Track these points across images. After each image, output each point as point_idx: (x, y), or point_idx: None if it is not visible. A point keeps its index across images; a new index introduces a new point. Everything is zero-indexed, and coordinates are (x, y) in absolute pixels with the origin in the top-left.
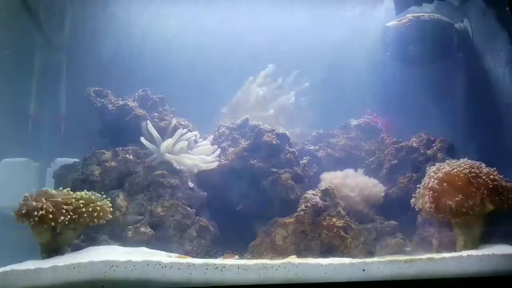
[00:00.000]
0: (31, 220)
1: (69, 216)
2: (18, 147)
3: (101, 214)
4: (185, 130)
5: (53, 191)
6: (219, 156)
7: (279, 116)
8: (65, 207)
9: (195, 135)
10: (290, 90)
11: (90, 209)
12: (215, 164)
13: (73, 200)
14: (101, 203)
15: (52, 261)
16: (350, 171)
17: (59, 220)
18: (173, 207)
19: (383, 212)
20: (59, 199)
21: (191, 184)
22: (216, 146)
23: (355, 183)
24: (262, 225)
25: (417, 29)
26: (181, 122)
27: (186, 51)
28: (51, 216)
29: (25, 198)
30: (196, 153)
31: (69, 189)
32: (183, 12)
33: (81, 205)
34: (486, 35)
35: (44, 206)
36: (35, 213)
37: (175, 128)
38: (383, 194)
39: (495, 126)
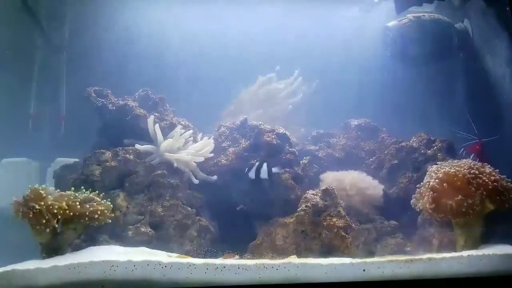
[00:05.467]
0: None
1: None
2: (18, 147)
3: (101, 216)
4: (184, 130)
5: (51, 190)
6: (219, 155)
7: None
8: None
9: (196, 135)
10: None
11: (88, 211)
12: (209, 145)
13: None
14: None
15: (52, 261)
16: (352, 173)
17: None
18: (173, 207)
19: (384, 212)
20: (56, 202)
21: (202, 175)
22: (211, 141)
23: (355, 183)
24: (263, 225)
25: (418, 29)
26: (181, 122)
27: (187, 51)
28: (48, 217)
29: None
30: (192, 149)
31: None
32: (184, 12)
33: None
34: (486, 35)
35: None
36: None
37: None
38: (381, 194)
39: (496, 126)
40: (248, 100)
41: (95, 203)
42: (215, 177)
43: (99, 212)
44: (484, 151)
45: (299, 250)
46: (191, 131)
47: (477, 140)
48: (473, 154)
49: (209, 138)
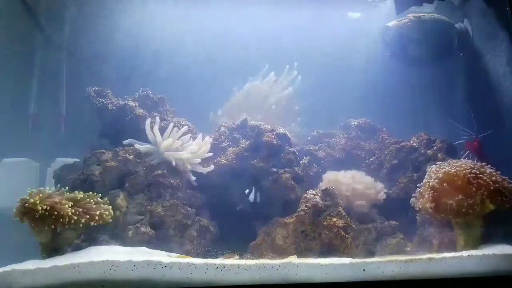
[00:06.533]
0: (32, 218)
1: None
2: (18, 147)
3: (102, 218)
4: (185, 127)
5: (51, 191)
6: (219, 155)
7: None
8: (64, 208)
9: (196, 135)
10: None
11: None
12: (206, 144)
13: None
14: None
15: (52, 261)
16: (352, 173)
17: (60, 220)
18: (173, 207)
19: (384, 212)
20: (57, 199)
21: (201, 168)
22: (208, 140)
23: (356, 183)
24: (263, 225)
25: (418, 29)
26: (181, 122)
27: (186, 51)
28: (52, 215)
29: (26, 197)
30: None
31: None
32: (184, 12)
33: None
34: (486, 35)
35: (46, 206)
36: (37, 212)
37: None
38: (382, 194)
39: (496, 125)
40: (236, 105)
41: (94, 205)
42: (212, 167)
43: (101, 215)
44: (482, 149)
45: (299, 250)
46: (186, 127)
47: (474, 136)
48: (468, 151)
49: (209, 138)
